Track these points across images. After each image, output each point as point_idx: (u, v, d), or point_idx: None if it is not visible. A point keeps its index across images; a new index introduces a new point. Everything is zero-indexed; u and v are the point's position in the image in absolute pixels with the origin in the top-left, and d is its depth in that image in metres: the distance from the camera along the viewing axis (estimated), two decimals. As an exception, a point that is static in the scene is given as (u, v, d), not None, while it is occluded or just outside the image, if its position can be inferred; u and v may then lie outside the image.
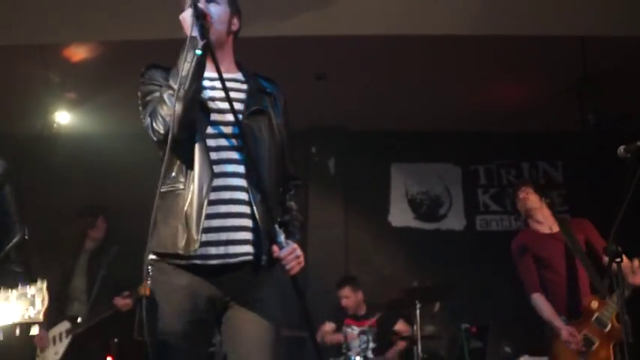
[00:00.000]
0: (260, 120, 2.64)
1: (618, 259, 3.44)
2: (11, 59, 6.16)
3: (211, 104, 2.58)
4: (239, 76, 2.73)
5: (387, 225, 8.09)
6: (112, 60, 6.25)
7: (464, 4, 5.48)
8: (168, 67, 2.58)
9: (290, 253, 2.52)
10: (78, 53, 6.22)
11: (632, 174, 3.20)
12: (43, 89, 6.52)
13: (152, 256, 2.53)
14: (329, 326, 6.48)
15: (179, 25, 2.55)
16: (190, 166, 2.48)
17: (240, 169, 2.54)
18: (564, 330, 4.50)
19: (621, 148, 3.31)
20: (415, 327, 5.73)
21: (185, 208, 2.44)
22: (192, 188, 2.45)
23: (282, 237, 2.53)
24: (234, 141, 2.56)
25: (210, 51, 2.48)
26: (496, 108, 7.38)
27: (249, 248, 2.51)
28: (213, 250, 2.46)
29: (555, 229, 4.90)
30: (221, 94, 2.52)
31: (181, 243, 2.42)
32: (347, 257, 7.75)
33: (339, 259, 7.69)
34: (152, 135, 2.48)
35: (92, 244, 5.99)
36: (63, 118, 6.81)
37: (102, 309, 5.65)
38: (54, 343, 5.52)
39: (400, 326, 6.32)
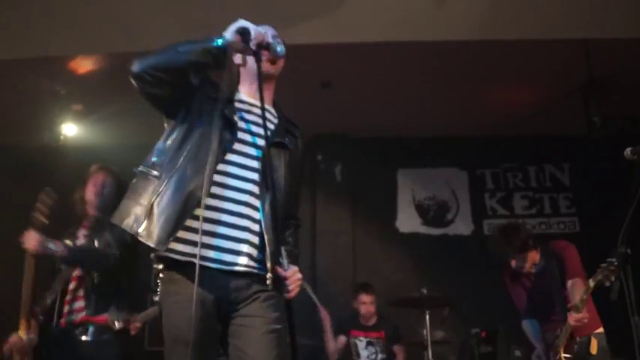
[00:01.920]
0: (280, 153, 2.79)
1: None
2: (18, 72, 6.20)
3: (241, 124, 2.73)
4: (272, 111, 2.89)
5: (394, 231, 8.09)
6: (117, 72, 6.23)
7: (468, 9, 5.49)
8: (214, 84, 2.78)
9: (294, 273, 2.63)
10: (84, 65, 6.25)
11: (639, 176, 3.20)
12: (50, 101, 6.54)
13: (160, 266, 2.60)
14: (342, 340, 6.37)
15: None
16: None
17: (255, 189, 2.67)
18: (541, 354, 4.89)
19: (628, 150, 3.29)
20: (425, 332, 5.72)
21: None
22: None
23: (285, 260, 2.61)
24: (255, 162, 2.70)
25: (259, 81, 2.64)
26: (501, 112, 7.39)
27: (249, 261, 2.61)
28: (212, 254, 2.55)
29: (541, 263, 5.03)
30: (254, 118, 2.75)
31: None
32: (355, 264, 7.74)
33: (347, 266, 7.68)
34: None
35: None
36: (69, 129, 6.83)
37: None
38: None
39: (398, 350, 6.29)
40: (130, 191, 2.63)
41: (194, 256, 2.45)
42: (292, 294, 2.60)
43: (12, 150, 7.65)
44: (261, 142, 2.71)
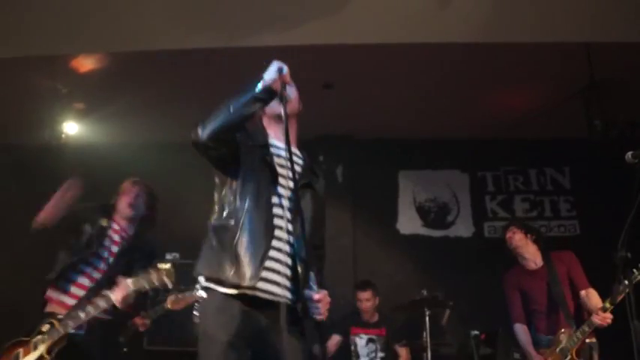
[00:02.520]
0: (307, 192, 3.11)
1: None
2: (20, 70, 6.20)
3: (280, 169, 3.02)
4: (297, 152, 3.22)
5: (395, 233, 8.08)
6: (119, 71, 6.28)
7: (470, 12, 5.49)
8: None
9: (324, 297, 2.87)
10: (85, 64, 6.25)
11: (639, 179, 3.20)
12: (51, 100, 6.55)
13: (205, 284, 2.86)
14: (335, 339, 6.44)
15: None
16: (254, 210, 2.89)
17: (289, 226, 2.94)
18: (532, 359, 5.02)
19: (629, 154, 3.30)
20: (425, 334, 5.72)
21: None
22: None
23: (315, 285, 2.84)
24: (286, 202, 2.98)
25: (285, 121, 2.92)
26: (503, 115, 7.39)
27: (284, 292, 2.87)
28: (260, 285, 2.80)
29: (540, 263, 5.29)
30: (282, 161, 3.03)
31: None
32: (355, 265, 7.73)
33: (347, 267, 7.67)
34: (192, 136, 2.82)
35: None
36: (71, 128, 6.83)
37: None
38: None
39: (401, 351, 6.31)
40: (215, 243, 2.88)
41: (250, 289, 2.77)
42: (322, 316, 2.84)
43: (13, 148, 7.66)
44: (290, 183, 2.99)
